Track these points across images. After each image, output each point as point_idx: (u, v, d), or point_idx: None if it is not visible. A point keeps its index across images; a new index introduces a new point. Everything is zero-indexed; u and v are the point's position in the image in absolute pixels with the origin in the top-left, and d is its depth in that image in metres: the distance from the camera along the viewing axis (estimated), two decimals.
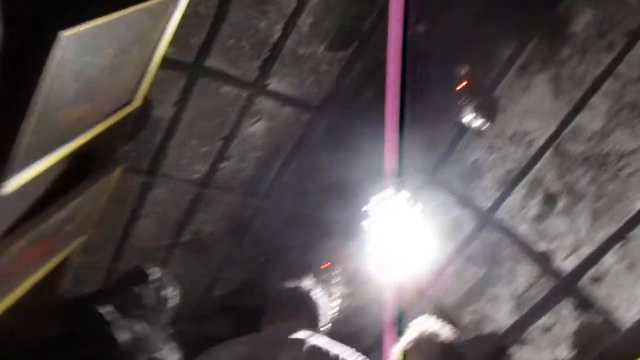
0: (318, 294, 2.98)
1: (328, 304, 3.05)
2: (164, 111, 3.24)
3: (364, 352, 4.19)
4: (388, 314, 3.35)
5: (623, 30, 2.85)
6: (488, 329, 3.58)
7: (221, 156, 3.59)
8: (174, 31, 2.29)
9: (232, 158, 3.62)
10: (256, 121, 3.51)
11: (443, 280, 3.75)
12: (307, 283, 2.97)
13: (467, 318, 3.68)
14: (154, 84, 3.08)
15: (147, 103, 2.98)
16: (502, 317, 3.50)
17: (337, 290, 3.13)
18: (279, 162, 3.69)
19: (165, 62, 2.99)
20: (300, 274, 3.66)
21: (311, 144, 3.64)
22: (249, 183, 3.74)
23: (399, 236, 3.01)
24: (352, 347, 4.08)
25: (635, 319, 2.89)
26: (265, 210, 3.86)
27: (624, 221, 2.95)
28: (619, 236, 2.97)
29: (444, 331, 1.59)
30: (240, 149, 3.59)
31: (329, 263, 3.23)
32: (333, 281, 3.20)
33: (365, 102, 3.64)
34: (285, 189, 3.79)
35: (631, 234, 2.94)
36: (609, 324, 2.99)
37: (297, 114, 3.54)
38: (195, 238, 3.84)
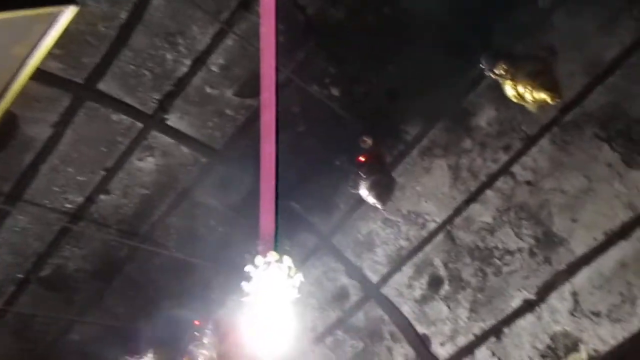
0: None
1: None
2: (39, 131, 2.85)
3: None
4: None
5: (521, 134, 2.98)
6: None
7: (101, 188, 3.23)
8: (52, 45, 2.03)
9: (113, 192, 3.27)
10: (147, 156, 3.21)
11: (321, 349, 3.62)
12: None
13: None
14: (31, 99, 2.72)
15: (14, 119, 2.61)
16: None
17: (206, 352, 2.87)
18: (165, 203, 3.40)
19: (47, 77, 2.67)
20: (171, 325, 3.37)
21: (204, 189, 3.40)
22: (129, 221, 3.40)
23: (278, 302, 2.82)
24: None
25: None
26: (143, 252, 3.52)
27: (500, 317, 3.01)
28: (494, 331, 3.03)
29: None
30: (125, 183, 3.26)
31: (200, 321, 2.97)
32: (204, 340, 2.94)
33: None
34: (168, 233, 3.49)
35: (506, 330, 3.00)
36: None
37: (194, 155, 3.29)
38: (56, 274, 3.40)
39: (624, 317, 2.67)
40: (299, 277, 2.86)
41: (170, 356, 2.99)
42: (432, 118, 3.20)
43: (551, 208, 2.92)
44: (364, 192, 2.82)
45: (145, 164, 3.23)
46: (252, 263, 2.82)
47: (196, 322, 2.97)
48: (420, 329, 3.28)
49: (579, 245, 2.84)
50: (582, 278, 2.82)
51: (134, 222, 3.43)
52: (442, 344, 3.20)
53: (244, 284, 2.82)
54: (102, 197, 3.26)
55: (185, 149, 3.25)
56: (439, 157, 3.21)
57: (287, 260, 2.82)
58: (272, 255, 2.82)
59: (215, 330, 2.88)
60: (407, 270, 3.34)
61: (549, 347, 2.87)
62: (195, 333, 2.88)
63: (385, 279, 3.39)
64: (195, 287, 3.56)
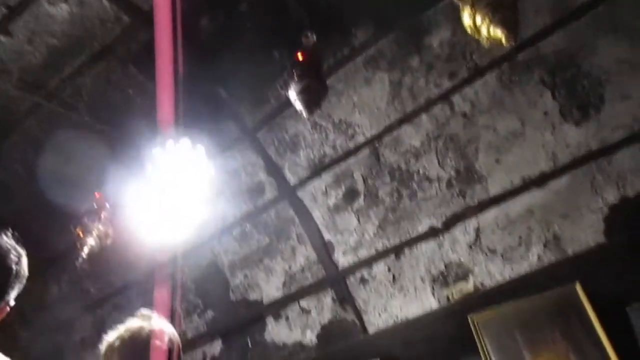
0: None
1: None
2: None
3: (117, 291, 3.92)
4: (160, 268, 3.07)
5: (470, 63, 2.85)
6: (254, 295, 3.57)
7: (2, 27, 2.79)
8: None
9: (16, 35, 2.84)
10: (60, 1, 2.77)
11: (227, 238, 3.60)
12: None
13: (238, 279, 3.61)
14: None
15: None
16: (270, 288, 3.51)
17: (102, 227, 2.73)
18: (78, 61, 3.01)
19: None
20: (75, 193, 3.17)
21: (125, 53, 3.04)
22: (34, 72, 3.00)
23: (184, 189, 2.68)
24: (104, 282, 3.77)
25: (381, 325, 3.10)
26: (47, 110, 3.17)
27: (404, 239, 3.09)
28: (395, 250, 3.11)
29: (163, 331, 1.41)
30: (31, 28, 2.82)
31: (100, 194, 2.78)
32: (101, 214, 2.78)
33: (206, 26, 3.14)
34: (79, 94, 3.14)
35: (406, 251, 3.10)
36: (358, 324, 3.17)
37: (116, 12, 2.88)
38: None
39: (516, 259, 2.81)
40: (210, 169, 2.71)
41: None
42: (385, 27, 2.96)
43: (479, 144, 2.91)
44: (292, 95, 2.61)
45: (57, 10, 2.79)
46: (162, 146, 2.63)
47: (96, 195, 2.79)
48: (327, 236, 3.32)
49: (495, 186, 2.88)
50: (489, 216, 2.91)
51: (40, 75, 3.03)
52: (344, 253, 3.26)
53: (150, 165, 2.64)
54: (1, 38, 2.83)
55: (106, 3, 2.83)
56: (382, 69, 3.03)
57: (200, 150, 2.65)
58: (184, 142, 2.63)
59: (115, 205, 2.73)
60: (327, 178, 3.28)
61: (441, 273, 3.01)
62: (93, 205, 2.72)
63: (303, 182, 3.33)
64: (100, 157, 3.32)
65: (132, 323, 1.50)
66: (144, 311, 1.55)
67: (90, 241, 2.63)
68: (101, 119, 3.24)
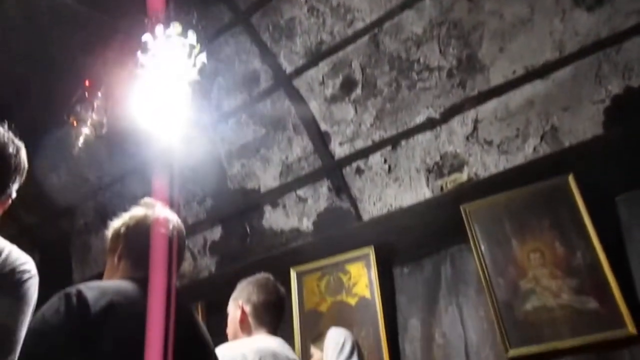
0: None
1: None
2: None
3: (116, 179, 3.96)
4: (158, 157, 3.06)
5: None
6: (251, 184, 3.62)
7: None
8: None
9: None
10: None
11: (222, 128, 3.57)
12: None
13: (235, 169, 3.65)
14: None
15: None
16: (267, 177, 3.55)
17: (95, 116, 2.67)
18: None
19: None
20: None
21: None
22: None
23: (175, 79, 2.60)
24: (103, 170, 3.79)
25: (375, 213, 3.19)
26: None
27: (401, 130, 3.07)
28: (392, 141, 3.10)
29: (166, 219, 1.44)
30: None
31: (91, 81, 2.68)
32: (93, 102, 2.70)
33: None
34: None
35: (403, 142, 3.09)
36: (353, 212, 3.25)
37: None
38: None
39: (512, 150, 2.82)
40: (202, 58, 2.60)
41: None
42: None
43: (484, 32, 2.78)
44: None
45: None
46: (152, 32, 2.49)
47: (86, 82, 2.69)
48: (324, 127, 3.29)
49: (497, 76, 2.81)
50: (488, 108, 2.86)
51: None
52: (340, 144, 3.26)
53: (140, 54, 2.53)
54: None
55: None
56: None
57: (192, 36, 2.52)
58: (174, 28, 2.49)
59: (107, 94, 2.65)
60: (323, 66, 3.18)
61: (437, 164, 3.03)
62: (85, 94, 2.63)
63: (299, 71, 3.23)
64: (90, 43, 3.16)
65: (137, 211, 1.51)
66: (148, 199, 1.57)
67: (85, 130, 2.60)
68: (90, 3, 3.03)
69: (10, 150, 1.29)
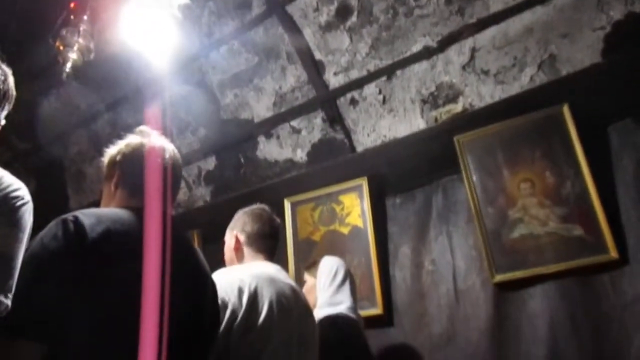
0: None
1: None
2: None
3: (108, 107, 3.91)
4: (149, 84, 3.02)
5: None
6: (245, 114, 3.59)
7: None
8: None
9: None
10: None
11: (215, 57, 3.48)
12: None
13: (228, 99, 3.59)
14: None
15: None
16: (260, 108, 3.51)
17: (82, 40, 2.58)
18: None
19: None
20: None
21: None
22: None
23: (164, 5, 2.51)
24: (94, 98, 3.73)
25: (369, 145, 3.19)
26: None
27: (397, 59, 3.01)
28: (387, 71, 3.05)
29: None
30: None
31: (76, 3, 2.56)
32: (80, 27, 2.61)
33: None
34: None
35: (398, 72, 3.04)
36: (347, 143, 3.25)
37: None
38: None
39: (509, 80, 2.78)
40: None
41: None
42: None
43: None
44: None
45: None
46: None
47: (72, 4, 2.58)
48: (318, 55, 3.22)
49: (497, 2, 2.72)
50: (486, 36, 2.80)
51: None
52: (335, 74, 3.20)
53: None
54: None
55: None
56: None
57: None
58: None
59: (93, 17, 2.55)
60: None
61: (432, 94, 3.00)
62: (70, 17, 2.54)
63: None
64: None
65: (133, 139, 1.50)
66: (143, 128, 1.55)
67: (72, 55, 2.53)
68: None
69: None
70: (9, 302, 1.04)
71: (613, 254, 2.27)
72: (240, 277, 1.71)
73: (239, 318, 1.59)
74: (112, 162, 1.48)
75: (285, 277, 1.89)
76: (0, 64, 1.29)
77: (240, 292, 1.64)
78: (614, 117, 2.49)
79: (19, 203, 1.14)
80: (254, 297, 1.65)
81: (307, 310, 1.90)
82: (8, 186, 1.15)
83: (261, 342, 1.61)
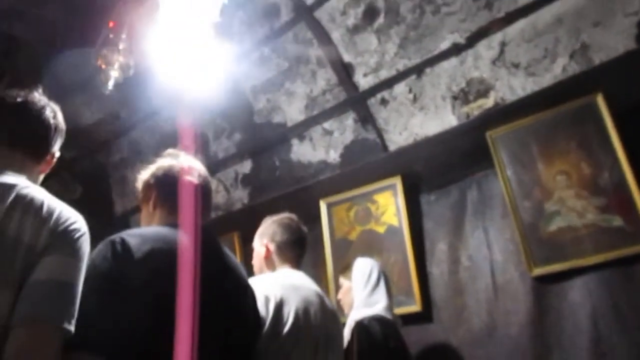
0: None
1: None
2: None
3: (146, 116, 4.06)
4: (184, 93, 3.12)
5: None
6: (278, 118, 3.67)
7: None
8: None
9: None
10: None
11: (246, 64, 3.58)
12: None
13: (261, 104, 3.69)
14: None
15: None
16: (292, 111, 3.59)
17: (123, 59, 2.72)
18: None
19: None
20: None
21: None
22: None
23: (197, 22, 2.60)
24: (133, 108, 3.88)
25: (401, 143, 3.21)
26: None
27: (426, 57, 3.02)
28: (417, 70, 3.07)
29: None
30: None
31: (115, 22, 2.71)
32: (118, 44, 2.75)
33: None
34: None
35: (427, 70, 3.06)
36: (380, 142, 3.29)
37: None
38: None
39: (540, 72, 2.76)
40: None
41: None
42: None
43: None
44: None
45: None
46: None
47: (110, 23, 2.72)
48: (347, 58, 3.27)
49: None
50: (515, 29, 2.78)
51: None
52: (364, 75, 3.24)
53: None
54: None
55: None
56: None
57: None
58: None
59: (130, 35, 2.68)
60: None
61: (462, 90, 3.00)
62: (110, 36, 2.68)
63: (320, 1, 3.16)
64: None
65: (163, 161, 1.59)
66: (172, 150, 1.64)
67: (113, 73, 2.66)
68: None
69: (48, 112, 1.37)
70: (72, 327, 1.12)
71: None
72: (267, 286, 1.79)
73: (266, 326, 1.68)
74: (147, 185, 1.57)
75: (310, 284, 1.96)
76: (49, 102, 1.39)
77: (267, 301, 1.72)
78: None
79: (77, 235, 1.21)
80: (279, 306, 1.73)
81: (333, 315, 1.97)
82: (67, 219, 1.21)
83: (289, 346, 1.69)
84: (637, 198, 2.31)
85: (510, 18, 2.77)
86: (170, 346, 1.20)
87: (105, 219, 4.40)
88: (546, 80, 2.75)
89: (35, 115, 1.34)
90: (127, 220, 4.38)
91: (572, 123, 2.60)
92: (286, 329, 1.71)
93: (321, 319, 1.84)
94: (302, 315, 1.77)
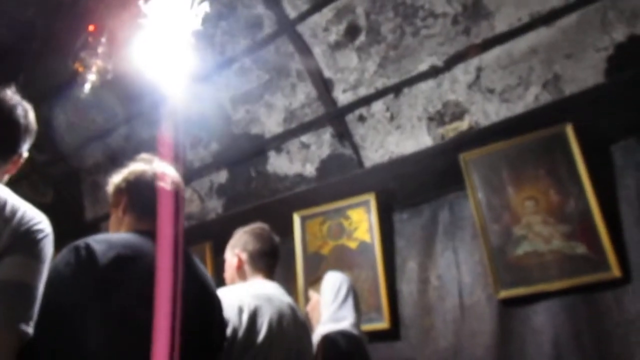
0: None
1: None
2: None
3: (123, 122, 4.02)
4: (163, 101, 3.10)
5: None
6: (255, 129, 3.67)
7: None
8: None
9: None
10: None
11: (226, 73, 3.57)
12: None
13: (240, 114, 3.68)
14: None
15: None
16: (271, 123, 3.59)
17: (100, 62, 2.69)
18: None
19: None
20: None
21: None
22: None
23: (178, 29, 2.60)
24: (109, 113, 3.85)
25: (377, 160, 3.25)
26: None
27: (404, 77, 3.07)
28: (395, 89, 3.12)
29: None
30: None
31: (95, 25, 2.67)
32: (98, 49, 2.72)
33: None
34: None
35: (405, 90, 3.10)
36: (356, 158, 3.32)
37: None
38: None
39: (514, 99, 2.83)
40: (204, 7, 2.60)
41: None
42: None
43: None
44: None
45: None
46: None
47: (91, 27, 2.69)
48: (327, 73, 3.30)
49: (502, 23, 2.78)
50: (491, 55, 2.85)
51: None
52: (344, 91, 3.28)
53: (142, 2, 2.53)
54: None
55: None
56: None
57: None
58: None
59: (111, 39, 2.66)
60: (327, 12, 3.14)
61: (438, 112, 3.06)
62: (89, 39, 2.64)
63: (303, 16, 3.19)
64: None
65: (135, 166, 1.57)
66: (145, 155, 1.62)
67: (91, 77, 2.63)
68: None
69: (19, 111, 1.33)
70: (31, 330, 1.10)
71: (616, 272, 2.30)
72: (240, 297, 1.77)
73: (239, 336, 1.66)
74: (118, 189, 1.54)
75: (283, 295, 1.95)
76: (21, 101, 1.35)
77: (240, 311, 1.70)
78: (617, 137, 2.53)
79: (40, 236, 1.19)
80: (253, 317, 1.72)
81: (304, 327, 1.96)
82: (30, 220, 1.19)
83: (261, 357, 1.68)
84: (601, 227, 2.38)
85: (487, 45, 2.84)
86: (131, 357, 1.18)
87: (75, 224, 4.32)
88: (519, 107, 2.82)
89: (5, 113, 1.31)
90: (97, 227, 4.31)
91: (542, 151, 2.67)
92: (259, 339, 1.70)
93: (294, 331, 1.84)
94: (276, 327, 1.76)
